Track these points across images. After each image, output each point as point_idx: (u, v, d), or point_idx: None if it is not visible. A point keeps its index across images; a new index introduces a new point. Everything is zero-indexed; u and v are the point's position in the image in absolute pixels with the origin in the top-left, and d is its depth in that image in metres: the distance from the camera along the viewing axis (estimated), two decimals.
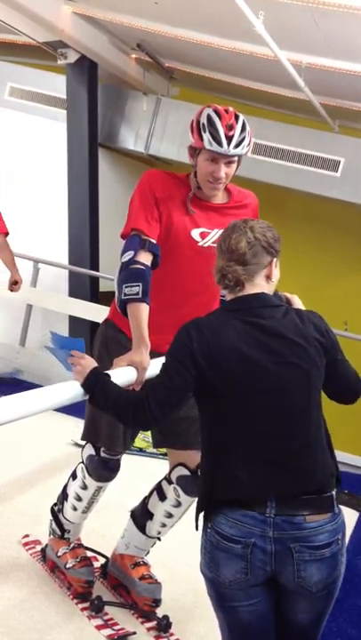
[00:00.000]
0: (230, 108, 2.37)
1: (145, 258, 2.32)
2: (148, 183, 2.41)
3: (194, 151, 2.39)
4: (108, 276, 6.02)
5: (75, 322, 6.90)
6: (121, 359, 2.13)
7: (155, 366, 2.33)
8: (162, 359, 2.42)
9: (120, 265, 2.33)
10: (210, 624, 2.73)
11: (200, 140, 2.32)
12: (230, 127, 2.30)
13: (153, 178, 2.44)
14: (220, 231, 2.45)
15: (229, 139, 2.29)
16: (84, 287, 6.89)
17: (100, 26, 6.13)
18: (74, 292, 6.90)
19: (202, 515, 1.84)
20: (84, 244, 6.95)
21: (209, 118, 2.31)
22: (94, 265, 6.97)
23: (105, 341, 2.50)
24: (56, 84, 7.15)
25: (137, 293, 2.25)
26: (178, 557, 3.12)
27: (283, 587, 1.78)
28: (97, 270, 6.88)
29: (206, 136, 2.30)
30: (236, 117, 2.34)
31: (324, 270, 7.62)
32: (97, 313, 5.57)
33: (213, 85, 6.82)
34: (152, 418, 1.84)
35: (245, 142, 2.34)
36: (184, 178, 2.48)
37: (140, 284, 2.25)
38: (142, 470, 3.84)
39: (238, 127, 2.32)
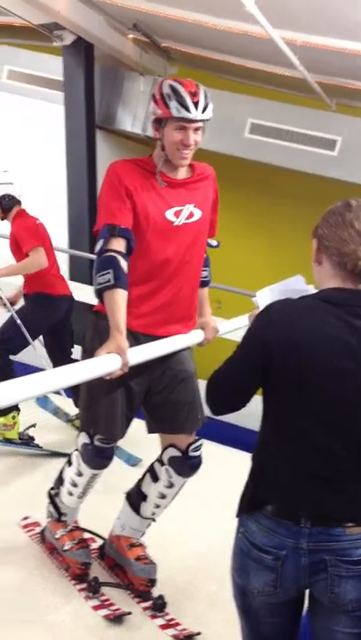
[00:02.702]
0: (189, 79, 2.40)
1: (116, 244, 2.33)
2: (116, 175, 2.42)
3: (159, 123, 2.40)
4: None
5: (76, 305, 6.92)
6: (99, 351, 2.20)
7: (146, 351, 2.37)
8: (157, 342, 2.45)
9: (95, 257, 2.37)
10: (205, 603, 2.80)
11: (167, 109, 2.34)
12: (194, 94, 2.35)
13: (120, 169, 2.44)
14: (191, 206, 2.47)
15: (196, 104, 2.34)
16: (83, 270, 6.92)
17: (96, 7, 6.10)
18: (74, 276, 6.92)
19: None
20: (84, 228, 6.97)
21: (172, 88, 2.35)
22: (94, 248, 6.97)
23: (98, 332, 2.49)
24: (53, 66, 7.12)
25: (108, 281, 2.28)
26: (172, 537, 3.17)
27: (317, 601, 1.67)
28: None
29: (173, 104, 2.33)
30: (197, 85, 2.38)
31: None
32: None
33: (211, 64, 6.78)
34: (210, 404, 1.74)
35: (210, 107, 2.38)
36: (148, 160, 2.49)
37: (111, 271, 2.28)
38: (140, 453, 3.88)
39: (201, 93, 2.36)
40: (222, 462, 3.87)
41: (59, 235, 6.99)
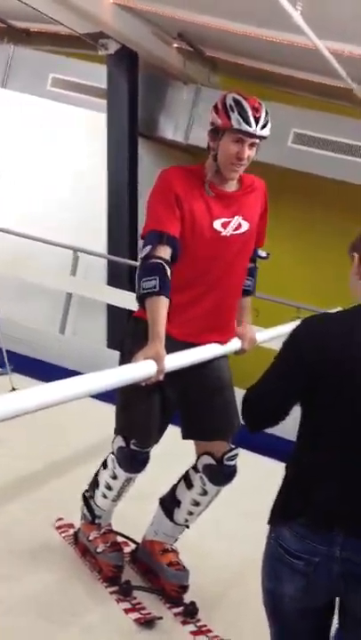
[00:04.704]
0: (254, 96, 2.42)
1: (163, 252, 2.35)
2: (167, 182, 2.44)
3: (216, 134, 2.42)
4: None
5: (112, 310, 6.99)
6: (137, 355, 2.19)
7: (182, 357, 2.38)
8: (194, 350, 2.46)
9: (140, 261, 2.38)
10: (237, 611, 2.79)
11: (228, 120, 2.36)
12: (257, 109, 2.37)
13: (172, 176, 2.46)
14: (239, 218, 2.49)
15: (257, 119, 2.36)
16: (122, 276, 6.97)
17: (141, 16, 6.15)
18: (112, 281, 6.99)
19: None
20: (123, 233, 7.03)
21: (236, 100, 2.37)
22: (133, 254, 7.04)
23: (137, 338, 2.48)
24: (97, 75, 7.20)
25: (154, 287, 2.29)
26: (208, 545, 3.17)
27: (347, 610, 1.68)
28: (135, 260, 6.95)
29: (235, 116, 2.35)
30: (259, 102, 2.40)
31: None
32: (134, 302, 5.62)
33: (254, 74, 6.80)
34: (245, 419, 1.76)
35: (269, 126, 2.41)
36: (199, 168, 2.51)
37: (157, 278, 2.29)
38: (177, 459, 3.89)
39: (263, 110, 2.39)
40: (260, 471, 3.86)
41: (98, 240, 7.10)
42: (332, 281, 7.59)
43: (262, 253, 2.74)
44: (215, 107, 2.41)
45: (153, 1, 5.68)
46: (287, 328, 3.25)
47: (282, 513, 1.72)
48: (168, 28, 6.36)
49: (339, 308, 3.34)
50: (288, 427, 2.02)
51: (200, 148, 7.44)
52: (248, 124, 2.34)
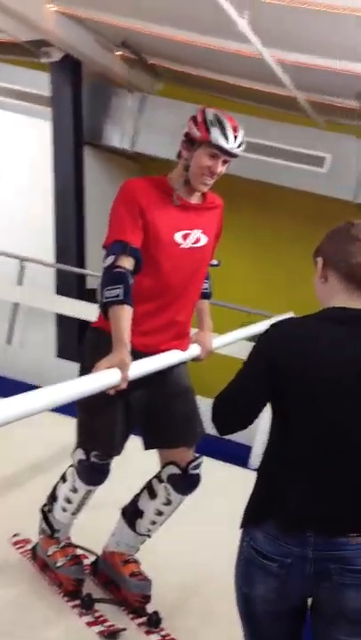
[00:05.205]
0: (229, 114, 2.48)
1: (126, 262, 2.36)
2: (131, 193, 2.44)
3: (191, 145, 2.44)
4: (94, 273, 6.03)
5: (62, 319, 6.91)
6: (101, 363, 2.16)
7: (144, 365, 2.36)
8: (157, 356, 2.45)
9: (103, 270, 2.38)
10: (200, 619, 2.79)
11: (207, 133, 2.39)
12: (235, 128, 2.43)
13: (135, 187, 2.47)
14: (199, 232, 2.53)
15: (235, 138, 2.41)
16: (70, 285, 6.90)
17: (84, 24, 6.12)
18: (61, 290, 6.91)
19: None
20: (70, 242, 6.97)
21: (217, 117, 2.41)
22: (81, 262, 6.98)
23: (98, 349, 2.41)
24: (41, 82, 7.13)
25: (117, 295, 2.29)
26: (169, 553, 3.15)
27: (320, 609, 1.69)
28: (83, 267, 6.90)
29: (215, 131, 2.38)
30: (237, 123, 2.46)
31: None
32: (84, 310, 5.58)
33: (198, 82, 6.84)
34: (215, 421, 1.75)
35: (243, 146, 2.46)
36: (163, 179, 2.52)
37: (122, 287, 2.29)
38: (136, 469, 3.87)
39: (240, 130, 2.45)
40: (218, 477, 3.86)
41: (45, 249, 7.01)
42: (283, 286, 7.74)
43: (213, 261, 2.78)
44: (194, 119, 2.45)
45: (96, 9, 5.66)
46: (241, 333, 3.29)
47: (254, 516, 1.73)
48: (111, 37, 6.34)
49: (291, 313, 3.40)
50: (253, 435, 2.02)
51: (146, 155, 7.48)
52: (227, 140, 2.38)
